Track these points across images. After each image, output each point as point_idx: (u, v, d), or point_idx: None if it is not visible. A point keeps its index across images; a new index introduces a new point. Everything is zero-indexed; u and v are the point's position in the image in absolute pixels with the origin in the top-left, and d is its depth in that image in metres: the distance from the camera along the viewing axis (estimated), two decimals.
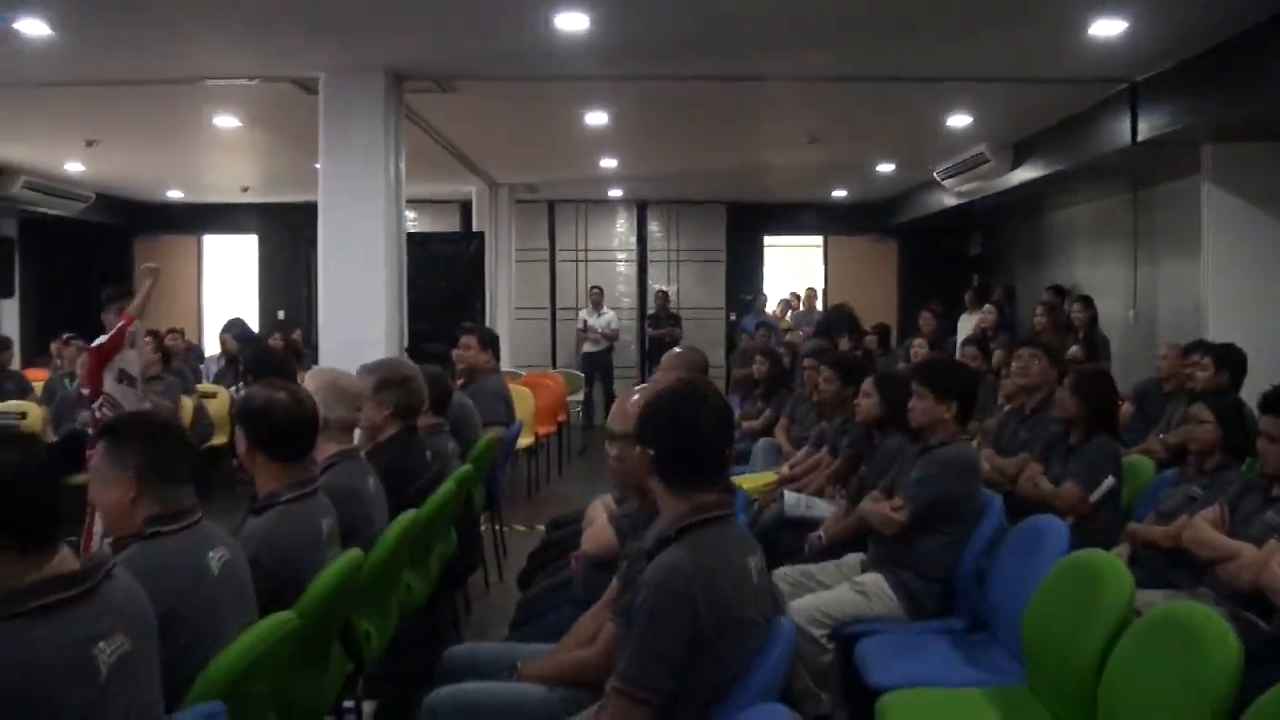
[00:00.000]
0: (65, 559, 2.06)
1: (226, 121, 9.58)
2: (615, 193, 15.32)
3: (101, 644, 2.00)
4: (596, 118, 9.26)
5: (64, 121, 9.82)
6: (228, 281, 16.99)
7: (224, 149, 11.56)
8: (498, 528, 7.09)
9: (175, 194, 15.45)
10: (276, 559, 3.17)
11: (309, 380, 4.16)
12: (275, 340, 12.61)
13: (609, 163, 12.02)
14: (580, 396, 13.87)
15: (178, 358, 10.77)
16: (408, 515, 4.05)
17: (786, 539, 5.08)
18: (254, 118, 9.46)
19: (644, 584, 2.53)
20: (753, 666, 2.54)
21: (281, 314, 16.08)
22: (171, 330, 11.86)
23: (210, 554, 2.72)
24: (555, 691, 3.02)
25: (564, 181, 13.98)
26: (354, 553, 3.43)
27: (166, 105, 8.98)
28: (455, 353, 7.22)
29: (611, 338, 14.66)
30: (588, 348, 14.69)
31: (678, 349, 5.89)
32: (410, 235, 8.83)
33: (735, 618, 2.53)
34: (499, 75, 7.75)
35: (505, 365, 13.20)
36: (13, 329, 13.90)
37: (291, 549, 3.24)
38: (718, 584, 2.51)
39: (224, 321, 11.99)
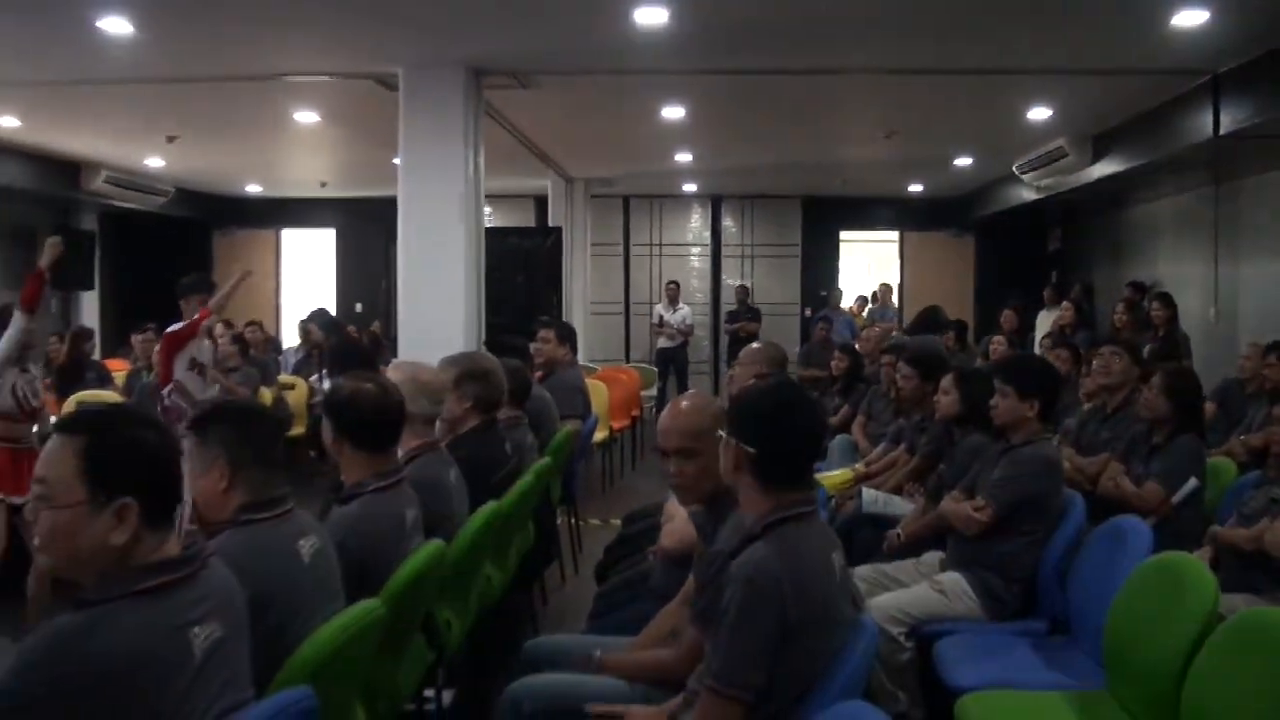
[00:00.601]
0: (170, 543, 2.12)
1: (306, 117, 9.72)
2: (690, 187, 15.30)
3: (197, 629, 2.04)
4: (674, 111, 9.27)
5: (146, 117, 10.02)
6: (305, 275, 17.22)
7: (303, 144, 11.73)
8: (574, 521, 7.13)
9: (254, 188, 15.70)
10: (362, 548, 3.21)
11: (391, 373, 4.21)
12: (352, 333, 12.76)
13: (684, 157, 12.02)
14: (654, 391, 13.89)
15: (256, 349, 10.92)
16: (489, 507, 4.09)
17: (864, 537, 5.04)
18: (333, 113, 9.59)
19: (733, 580, 2.52)
20: (837, 663, 2.54)
21: (359, 307, 16.26)
22: (250, 323, 12.05)
23: (301, 542, 2.76)
24: (636, 686, 3.04)
25: (639, 176, 14.01)
26: (436, 543, 3.48)
27: (247, 101, 9.14)
28: (533, 346, 7.27)
29: (686, 333, 14.68)
30: (662, 343, 14.73)
31: (756, 344, 5.86)
32: (488, 229, 8.88)
33: (822, 612, 2.53)
34: (577, 70, 7.79)
35: (581, 359, 13.30)
36: (93, 320, 14.21)
37: (377, 538, 3.29)
38: (805, 579, 2.51)
39: (302, 314, 12.21)
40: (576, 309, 13.93)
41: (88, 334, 10.71)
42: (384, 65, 7.62)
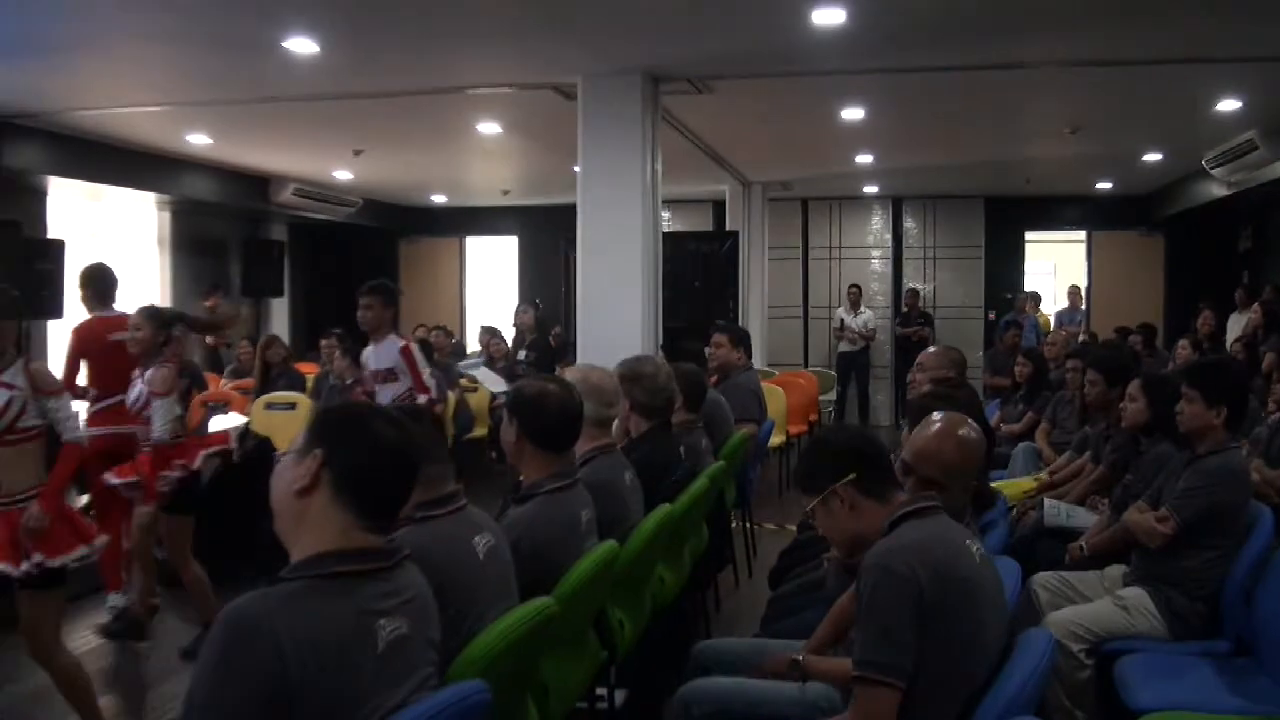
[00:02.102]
0: (365, 536, 2.19)
1: (489, 128, 9.96)
2: (870, 189, 15.10)
3: (383, 620, 2.11)
4: (853, 113, 9.18)
5: (332, 132, 10.43)
6: (488, 281, 17.61)
7: (485, 154, 12.00)
8: (748, 525, 7.13)
9: (439, 198, 16.15)
10: (537, 546, 3.28)
11: (566, 376, 4.29)
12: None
13: (864, 158, 11.89)
14: (833, 396, 13.78)
15: (440, 354, 11.23)
16: (662, 510, 4.12)
17: (1045, 549, 4.88)
18: (514, 124, 9.80)
19: (865, 570, 2.59)
20: (1002, 666, 2.50)
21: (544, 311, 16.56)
22: (437, 327, 12.41)
23: (476, 538, 2.83)
24: (808, 691, 3.04)
25: (817, 178, 13.89)
26: (610, 544, 3.53)
27: (430, 114, 9.42)
28: (708, 350, 7.30)
29: (868, 337, 14.54)
30: (844, 347, 14.63)
31: (932, 348, 5.77)
32: (666, 234, 8.95)
33: (963, 593, 2.55)
34: (755, 73, 7.77)
35: (758, 364, 13.27)
36: (281, 326, 14.82)
37: (552, 537, 3.35)
38: (935, 555, 2.57)
39: (484, 320, 12.53)
40: (754, 313, 13.91)
41: (274, 341, 11.20)
42: (563, 75, 7.75)
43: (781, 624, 4.00)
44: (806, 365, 15.13)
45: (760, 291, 14.23)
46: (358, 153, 11.45)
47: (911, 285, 15.32)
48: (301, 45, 6.91)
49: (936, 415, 3.18)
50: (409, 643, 2.17)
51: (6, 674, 4.96)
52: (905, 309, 14.99)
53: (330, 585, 2.08)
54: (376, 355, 6.66)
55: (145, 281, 13.48)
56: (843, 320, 14.57)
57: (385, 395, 6.48)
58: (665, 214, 16.01)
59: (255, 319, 15.20)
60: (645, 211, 7.66)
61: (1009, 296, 15.06)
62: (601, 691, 3.97)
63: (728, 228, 13.97)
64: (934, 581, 2.50)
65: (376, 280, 6.76)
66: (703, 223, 15.88)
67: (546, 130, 9.66)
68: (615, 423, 4.39)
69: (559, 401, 3.52)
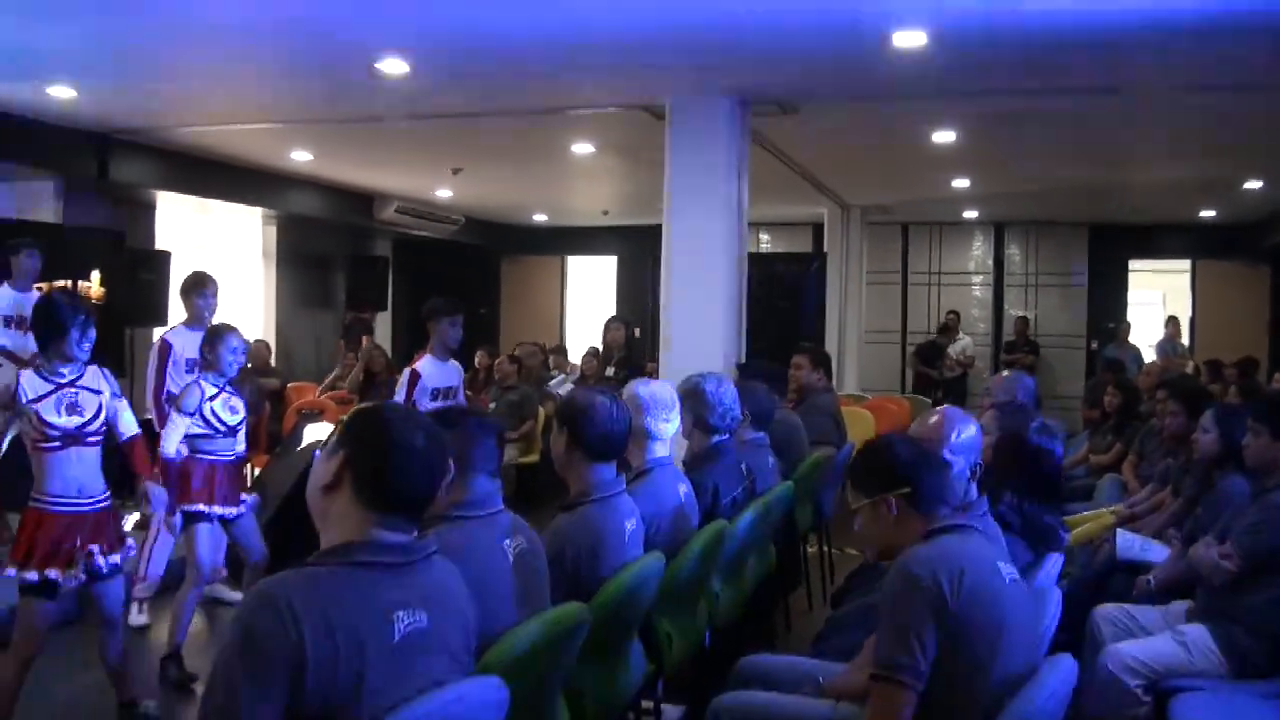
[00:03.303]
0: (387, 532, 2.24)
1: (583, 149, 10.06)
2: (970, 213, 14.91)
3: (401, 612, 2.15)
4: (944, 136, 9.10)
5: (430, 151, 10.64)
6: (589, 300, 17.77)
7: (581, 175, 12.14)
8: (826, 548, 7.07)
9: (540, 217, 16.35)
10: (579, 555, 3.33)
11: (628, 388, 4.32)
12: None
13: (961, 182, 11.76)
14: None
15: (533, 370, 11.36)
16: (715, 526, 4.13)
17: (1119, 583, 4.78)
18: (608, 144, 9.89)
19: (890, 573, 2.66)
20: (1023, 693, 2.47)
21: (638, 331, 16.61)
22: (533, 344, 12.54)
23: (507, 540, 2.88)
24: (840, 709, 3.03)
25: (917, 202, 13.78)
26: (654, 555, 3.56)
27: (524, 134, 9.56)
28: (790, 372, 7.27)
29: (966, 364, 14.35)
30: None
31: (1005, 373, 5.71)
32: (753, 255, 8.95)
33: (984, 597, 2.59)
34: (840, 96, 7.76)
35: (852, 388, 13.21)
36: (385, 339, 15.08)
37: (594, 547, 3.38)
38: (961, 568, 2.61)
39: (585, 338, 12.61)
40: (850, 337, 13.82)
41: (376, 350, 11.48)
42: (653, 96, 7.81)
43: (831, 642, 3.98)
44: (904, 391, 14.97)
45: (857, 315, 14.13)
46: (456, 171, 11.65)
47: (1019, 313, 15.07)
48: (393, 66, 7.05)
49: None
50: (428, 636, 2.20)
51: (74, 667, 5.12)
52: (1013, 337, 14.77)
53: (349, 572, 2.14)
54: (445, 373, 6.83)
55: (250, 294, 13.85)
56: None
57: None
58: (765, 235, 16.20)
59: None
60: (731, 232, 7.68)
61: (1111, 326, 14.74)
62: (649, 704, 3.99)
63: (826, 250, 13.89)
64: (957, 594, 2.56)
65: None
66: (802, 245, 15.86)
67: (641, 151, 9.71)
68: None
69: (607, 412, 3.56)
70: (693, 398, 4.76)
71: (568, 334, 17.50)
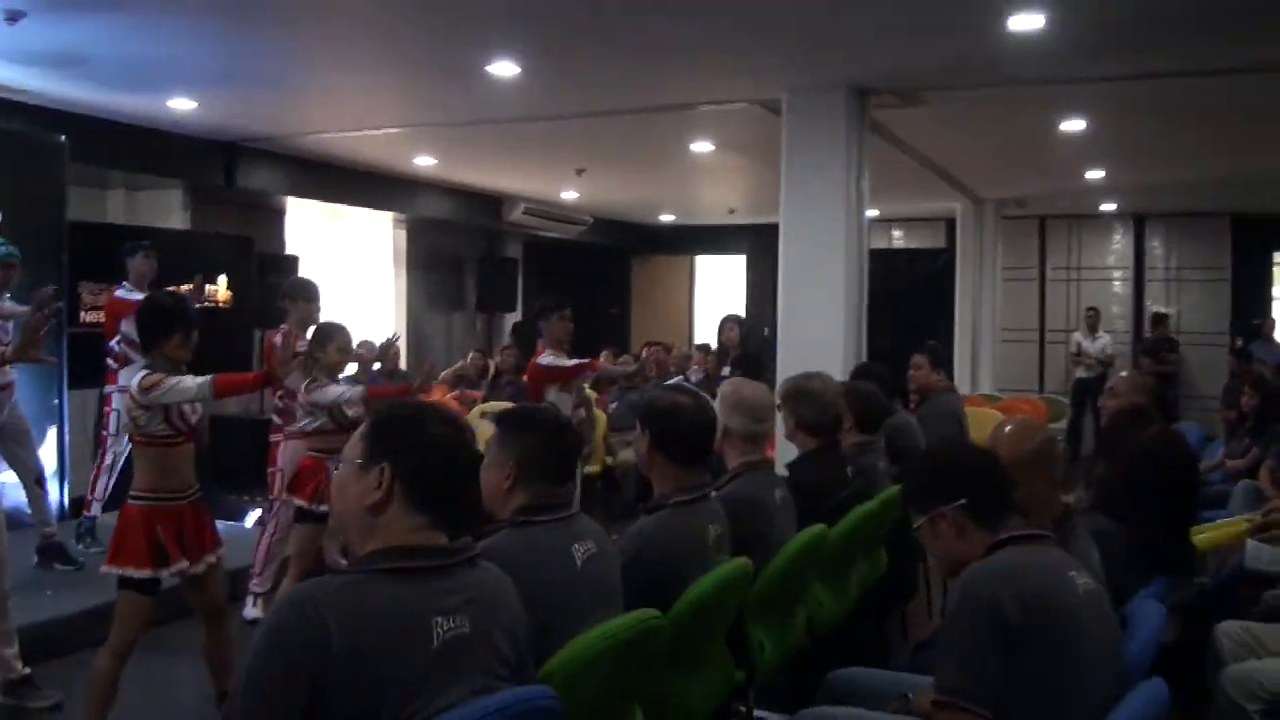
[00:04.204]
0: (434, 535, 2.20)
1: (702, 147, 9.95)
2: (1108, 206, 14.31)
3: (439, 618, 2.09)
4: (1073, 124, 8.71)
5: (552, 153, 10.64)
6: (718, 299, 17.63)
7: (704, 173, 12.01)
8: None
9: (667, 217, 16.29)
10: (658, 559, 3.24)
11: (721, 389, 4.20)
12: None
13: (1095, 173, 11.26)
14: (1063, 424, 13.15)
15: (659, 369, 11.28)
16: (813, 530, 3.98)
17: (1243, 595, 4.49)
18: (726, 141, 9.76)
19: (953, 592, 2.52)
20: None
21: (766, 330, 16.44)
22: (652, 343, 12.47)
23: (576, 545, 2.79)
24: None
25: (1051, 195, 13.26)
26: (740, 561, 3.44)
27: (642, 133, 9.48)
28: (910, 373, 7.07)
29: (1106, 363, 13.83)
30: (1080, 373, 13.97)
31: (1123, 373, 5.43)
32: (877, 252, 8.73)
33: (1053, 613, 2.45)
34: (961, 84, 7.48)
35: (987, 388, 12.83)
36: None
37: (674, 551, 3.29)
38: (1028, 583, 2.47)
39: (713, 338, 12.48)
40: (985, 336, 13.42)
41: (506, 349, 11.54)
42: (767, 90, 7.66)
43: (926, 655, 3.79)
44: (1042, 391, 14.51)
45: (992, 313, 13.70)
46: (579, 172, 11.66)
47: (1157, 309, 14.48)
48: (503, 69, 7.05)
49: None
50: (470, 642, 2.14)
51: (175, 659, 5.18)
52: (1151, 334, 14.20)
53: (386, 578, 2.09)
54: None
55: (382, 297, 14.06)
56: (1079, 345, 13.91)
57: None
58: (897, 232, 15.88)
59: (487, 332, 15.67)
60: (850, 228, 7.49)
61: (1256, 323, 13.97)
62: (741, 709, 3.86)
63: (960, 246, 13.52)
64: (1023, 610, 2.41)
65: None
66: (935, 241, 15.46)
67: (760, 148, 9.56)
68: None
69: (690, 414, 3.47)
70: (795, 398, 4.63)
71: (696, 333, 17.38)
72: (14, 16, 5.86)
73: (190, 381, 4.21)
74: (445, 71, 7.32)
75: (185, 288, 7.50)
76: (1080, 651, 2.40)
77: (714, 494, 3.71)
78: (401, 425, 2.26)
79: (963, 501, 2.72)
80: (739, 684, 3.65)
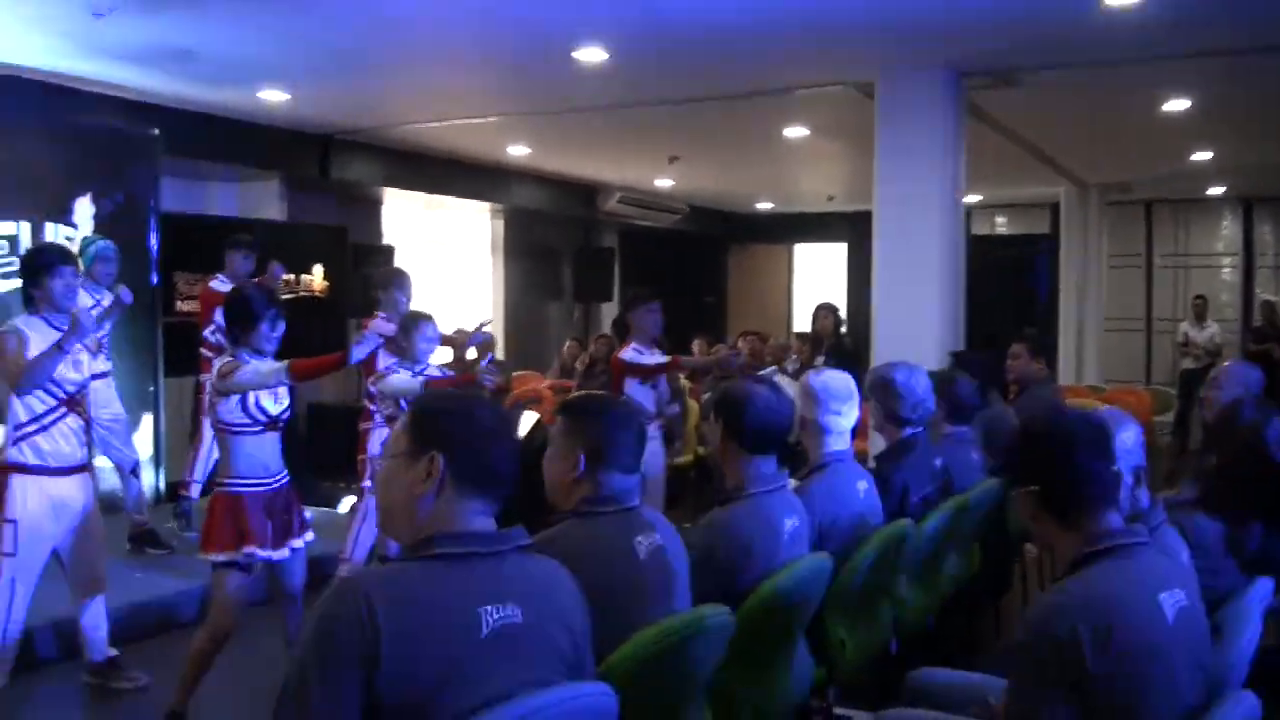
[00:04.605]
0: (484, 522, 2.15)
1: (795, 132, 9.81)
2: (1216, 189, 13.82)
3: (489, 606, 2.04)
4: (1176, 104, 8.40)
5: (644, 140, 10.57)
6: (818, 288, 17.43)
7: (799, 159, 11.86)
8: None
9: (765, 205, 16.13)
10: (731, 552, 3.16)
11: (806, 379, 4.09)
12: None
13: (1202, 155, 10.89)
14: (1170, 416, 12.74)
15: (755, 359, 11.17)
16: (896, 525, 3.86)
17: None
18: (820, 126, 9.63)
19: (1023, 622, 2.27)
20: None
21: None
22: (748, 333, 12.33)
23: (640, 538, 2.72)
24: None
25: (1157, 179, 12.85)
26: (818, 556, 3.34)
27: (734, 119, 9.38)
28: (1008, 362, 6.87)
29: (1214, 353, 13.36)
30: (1187, 363, 13.50)
31: (1227, 363, 5.19)
32: (976, 238, 8.53)
33: (1141, 649, 2.18)
34: (1056, 64, 7.26)
35: (1093, 379, 12.50)
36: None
37: (748, 544, 3.20)
38: (1112, 618, 2.18)
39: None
40: (1090, 325, 13.07)
41: (602, 339, 11.51)
42: (861, 73, 7.52)
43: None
44: (1148, 382, 14.09)
45: (1097, 301, 13.32)
46: (672, 160, 11.57)
47: (1267, 297, 13.96)
48: (590, 54, 7.00)
49: None
50: (522, 632, 2.07)
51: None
52: (1260, 323, 13.70)
53: (433, 564, 2.05)
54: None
55: (479, 286, 14.14)
56: (1186, 334, 13.47)
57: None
58: (1000, 219, 15.54)
59: (584, 321, 15.68)
60: (946, 212, 7.37)
61: None
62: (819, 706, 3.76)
63: (1064, 232, 13.19)
64: (1100, 651, 2.14)
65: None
66: (1040, 227, 15.07)
67: (859, 133, 9.38)
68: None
69: (765, 403, 3.36)
70: (881, 389, 4.49)
71: (795, 323, 17.20)
72: (102, 12, 5.95)
73: (266, 366, 4.23)
74: (533, 58, 7.30)
75: (284, 278, 7.59)
76: (1164, 686, 2.20)
77: (793, 485, 3.62)
78: (447, 413, 2.21)
79: (1035, 488, 2.45)
80: (819, 681, 3.55)
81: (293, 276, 9.26)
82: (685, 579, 2.84)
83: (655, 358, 6.67)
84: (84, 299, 5.61)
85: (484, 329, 6.29)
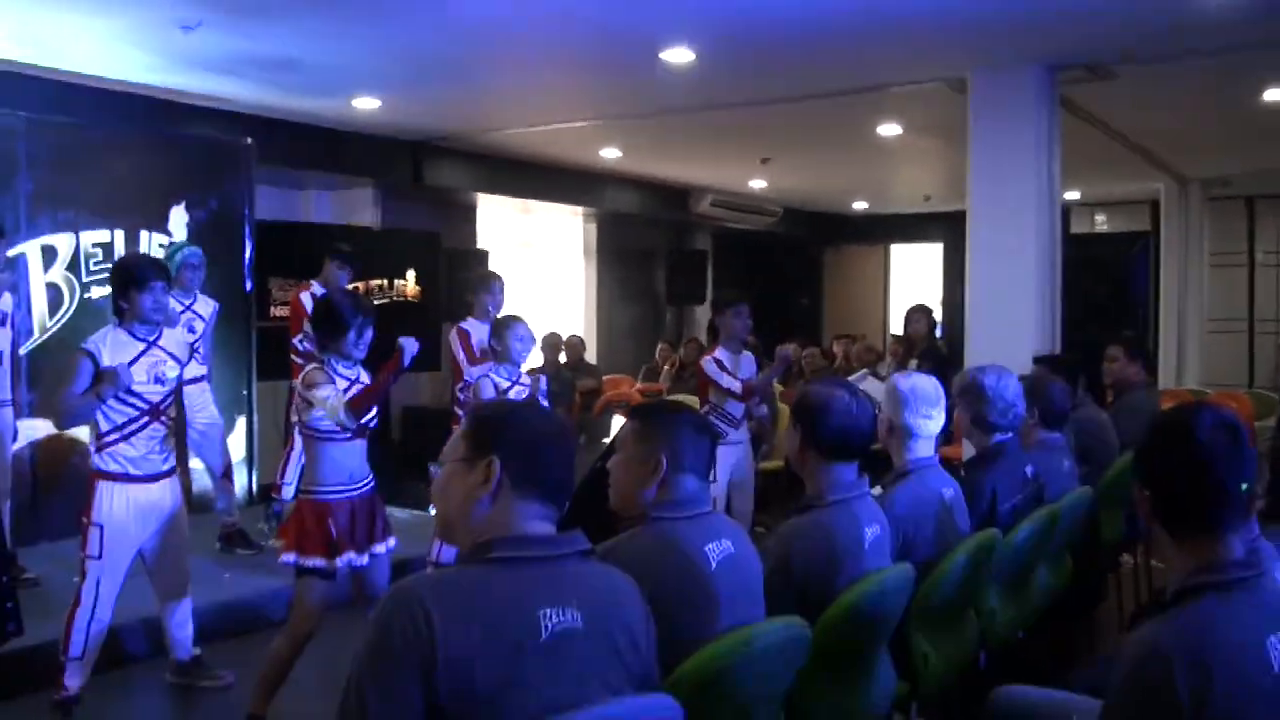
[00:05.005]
0: (542, 526, 2.15)
1: (889, 130, 9.69)
2: None
3: (548, 609, 2.02)
4: (1278, 94, 8.13)
5: (735, 142, 10.53)
6: (914, 290, 17.23)
7: (893, 158, 11.70)
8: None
9: (860, 205, 15.96)
10: (808, 562, 3.09)
11: (895, 381, 4.01)
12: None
13: None
14: (1272, 421, 12.33)
15: (854, 361, 11.09)
16: (984, 535, 3.76)
17: None
18: (914, 125, 9.49)
19: (1118, 658, 2.07)
20: None
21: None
22: (844, 336, 12.23)
23: (711, 545, 2.67)
24: None
25: (1261, 173, 12.39)
26: (900, 567, 3.26)
27: (826, 118, 9.29)
28: (1104, 365, 6.69)
29: None
30: None
31: None
32: (1076, 236, 8.36)
33: (1254, 697, 1.94)
34: (1151, 56, 7.06)
35: (1193, 382, 12.15)
36: (703, 332, 15.10)
37: (825, 555, 3.12)
38: (1221, 658, 1.96)
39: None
40: (1191, 326, 12.72)
41: (693, 342, 11.50)
42: (954, 68, 7.42)
43: (1097, 672, 3.52)
44: (1251, 385, 13.64)
45: (1198, 301, 12.95)
46: (764, 161, 11.51)
47: None
48: (678, 55, 6.99)
49: None
50: (583, 639, 2.05)
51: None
52: None
53: (491, 568, 2.05)
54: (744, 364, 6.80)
55: (572, 291, 14.20)
56: None
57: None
58: (1100, 216, 15.17)
59: (677, 325, 15.66)
60: (1041, 210, 7.23)
61: None
62: None
63: (1164, 230, 12.85)
64: (1206, 698, 1.92)
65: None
66: (1139, 224, 14.69)
67: (954, 131, 9.23)
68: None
69: (846, 408, 3.27)
70: (969, 394, 4.38)
71: (891, 326, 17.02)
72: (190, 26, 6.07)
73: (337, 401, 4.29)
74: (620, 61, 7.31)
75: (375, 284, 7.68)
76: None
77: (876, 493, 3.54)
78: (504, 418, 2.23)
79: (1147, 493, 2.21)
80: (902, 696, 3.47)
81: (385, 282, 9.38)
82: (758, 589, 2.80)
83: (730, 381, 6.61)
84: (173, 305, 5.73)
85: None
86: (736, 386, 6.59)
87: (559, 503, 2.18)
